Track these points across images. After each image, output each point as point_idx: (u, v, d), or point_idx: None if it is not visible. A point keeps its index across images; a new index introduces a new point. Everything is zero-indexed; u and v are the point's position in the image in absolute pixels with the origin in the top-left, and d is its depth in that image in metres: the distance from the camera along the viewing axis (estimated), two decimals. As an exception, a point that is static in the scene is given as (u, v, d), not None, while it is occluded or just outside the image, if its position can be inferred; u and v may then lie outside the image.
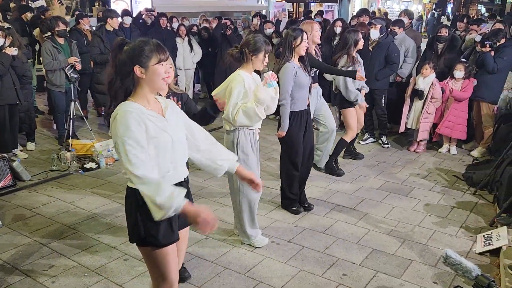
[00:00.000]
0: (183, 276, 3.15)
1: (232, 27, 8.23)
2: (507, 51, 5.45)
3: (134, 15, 8.95)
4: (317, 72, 4.71)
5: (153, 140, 2.04)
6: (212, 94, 3.43)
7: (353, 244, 3.70)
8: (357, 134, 5.57)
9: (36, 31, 6.82)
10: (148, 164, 1.98)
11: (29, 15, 7.20)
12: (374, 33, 5.71)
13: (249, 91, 3.27)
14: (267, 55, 3.36)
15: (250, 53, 3.32)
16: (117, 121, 1.99)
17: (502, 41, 5.50)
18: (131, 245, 3.57)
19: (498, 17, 9.85)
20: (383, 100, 6.02)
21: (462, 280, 3.17)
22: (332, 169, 5.16)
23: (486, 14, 13.13)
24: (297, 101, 3.97)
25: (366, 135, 6.32)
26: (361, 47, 5.03)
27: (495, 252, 3.48)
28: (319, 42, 4.50)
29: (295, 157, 4.07)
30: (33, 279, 3.21)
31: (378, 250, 3.60)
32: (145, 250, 2.20)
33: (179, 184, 2.19)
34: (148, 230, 2.11)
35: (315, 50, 4.58)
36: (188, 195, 2.25)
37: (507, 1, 20.16)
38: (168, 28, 7.96)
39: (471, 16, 11.75)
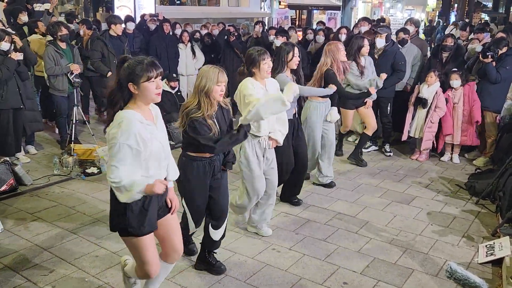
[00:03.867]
0: (220, 269, 3.38)
1: (236, 33, 8.26)
2: (510, 60, 5.45)
3: (137, 21, 9.00)
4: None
5: (147, 147, 2.33)
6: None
7: (354, 253, 3.68)
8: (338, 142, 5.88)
9: (30, 39, 6.35)
10: (130, 172, 2.30)
11: (22, 18, 7.02)
12: (380, 42, 5.73)
13: (258, 95, 3.43)
14: (266, 62, 3.49)
15: (250, 67, 3.54)
16: (121, 127, 2.28)
17: (504, 49, 5.51)
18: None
19: (491, 26, 9.87)
20: (388, 108, 6.04)
21: (463, 290, 3.16)
22: (357, 159, 5.71)
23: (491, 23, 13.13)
24: None
25: (369, 143, 6.30)
26: (366, 54, 5.07)
27: (498, 262, 3.46)
28: (345, 59, 4.63)
29: (286, 164, 4.18)
30: (34, 283, 3.20)
31: (379, 259, 3.59)
32: (126, 240, 2.51)
33: None
34: (129, 222, 2.41)
35: (343, 67, 4.62)
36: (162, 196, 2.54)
37: (511, 10, 20.20)
38: (171, 34, 8.00)
39: (474, 24, 11.76)
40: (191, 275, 3.33)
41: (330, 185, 5.01)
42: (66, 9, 12.15)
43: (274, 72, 4.04)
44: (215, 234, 3.34)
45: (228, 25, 8.63)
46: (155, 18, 8.76)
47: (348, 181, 5.20)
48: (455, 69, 5.81)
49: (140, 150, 2.31)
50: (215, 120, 3.01)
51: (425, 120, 5.74)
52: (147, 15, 9.19)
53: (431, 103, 5.69)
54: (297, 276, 3.35)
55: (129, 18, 7.74)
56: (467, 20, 16.87)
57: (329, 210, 4.47)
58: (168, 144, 2.56)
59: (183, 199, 3.19)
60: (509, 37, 6.39)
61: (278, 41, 6.89)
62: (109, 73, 6.35)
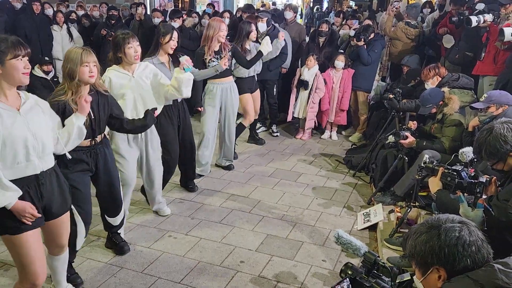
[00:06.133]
0: (75, 282, 3.02)
1: (117, 15, 7.80)
2: (377, 45, 6.06)
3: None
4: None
5: (7, 128, 2.16)
6: None
7: (248, 232, 3.83)
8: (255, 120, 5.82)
9: None
10: None
11: None
12: (262, 26, 5.87)
13: (119, 86, 3.34)
14: (132, 45, 3.31)
15: (116, 52, 3.36)
16: None
17: (372, 35, 6.09)
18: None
19: (359, 14, 10.82)
20: (274, 90, 6.29)
21: (345, 255, 3.49)
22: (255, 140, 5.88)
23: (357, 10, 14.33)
24: None
25: (258, 124, 6.52)
26: (254, 38, 5.15)
27: (373, 228, 3.89)
28: (223, 41, 4.56)
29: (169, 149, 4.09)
30: None
31: (272, 235, 3.78)
32: (5, 239, 2.28)
33: (34, 176, 2.30)
34: (4, 219, 2.22)
35: (221, 47, 4.57)
36: (40, 189, 2.34)
37: (373, -1, 22.24)
38: (42, 14, 7.30)
39: (344, 10, 12.69)
40: (81, 272, 3.17)
41: (229, 168, 5.15)
42: None
43: (146, 54, 3.90)
44: (115, 220, 3.30)
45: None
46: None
47: (239, 163, 5.34)
48: (342, 51, 6.26)
49: None
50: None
51: (307, 101, 6.12)
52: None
53: (312, 85, 6.07)
54: (195, 260, 3.39)
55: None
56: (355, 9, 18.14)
57: (223, 192, 4.56)
58: (48, 137, 2.37)
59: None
60: (374, 24, 7.06)
61: (176, 24, 6.70)
62: None
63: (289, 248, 3.60)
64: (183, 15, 7.35)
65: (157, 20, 7.33)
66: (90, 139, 2.89)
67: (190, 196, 4.43)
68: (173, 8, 10.68)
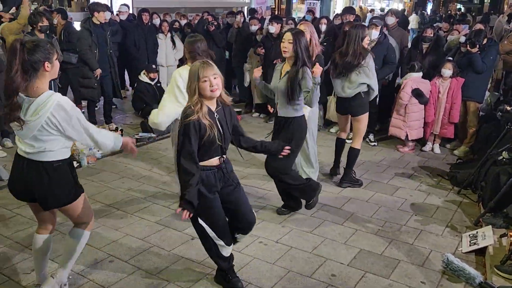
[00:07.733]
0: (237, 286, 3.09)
1: (216, 23, 8.13)
2: (492, 51, 5.55)
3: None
4: None
5: None
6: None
7: (340, 244, 3.69)
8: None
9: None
10: None
11: None
12: (375, 33, 5.65)
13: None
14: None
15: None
16: None
17: (485, 41, 5.59)
18: (118, 243, 3.50)
19: (468, 18, 10.02)
20: (377, 99, 6.07)
21: (446, 278, 3.19)
22: (352, 180, 4.86)
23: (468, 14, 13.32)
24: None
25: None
26: (366, 45, 4.60)
27: (481, 252, 3.52)
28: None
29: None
30: (16, 282, 3.10)
31: (366, 250, 3.60)
32: (81, 199, 2.79)
33: None
34: (77, 183, 2.77)
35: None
36: None
37: (485, 1, 20.57)
38: (150, 24, 7.83)
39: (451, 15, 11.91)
40: (176, 269, 3.28)
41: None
42: (39, -3, 11.72)
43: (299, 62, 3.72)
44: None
45: (207, 15, 8.48)
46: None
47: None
48: (451, 58, 5.83)
49: None
50: (216, 120, 2.67)
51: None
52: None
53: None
54: (285, 269, 3.34)
55: (106, 7, 7.51)
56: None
57: (315, 202, 4.46)
58: None
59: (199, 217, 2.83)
60: (487, 28, 6.49)
61: (273, 28, 6.77)
62: (98, 71, 6.09)
63: (384, 265, 3.40)
64: (283, 22, 7.39)
65: (254, 28, 7.47)
66: (219, 157, 2.76)
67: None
68: (270, 15, 10.84)
